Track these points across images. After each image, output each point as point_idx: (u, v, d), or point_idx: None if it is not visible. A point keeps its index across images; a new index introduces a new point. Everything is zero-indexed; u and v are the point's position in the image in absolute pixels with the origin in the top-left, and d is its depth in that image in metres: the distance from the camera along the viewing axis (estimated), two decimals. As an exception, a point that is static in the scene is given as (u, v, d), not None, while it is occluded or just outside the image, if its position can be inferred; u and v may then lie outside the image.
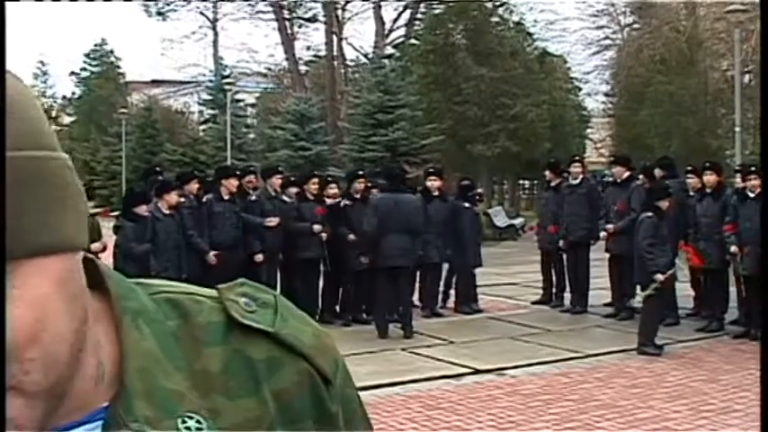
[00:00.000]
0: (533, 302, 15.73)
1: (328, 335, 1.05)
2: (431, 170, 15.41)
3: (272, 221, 13.17)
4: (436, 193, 14.43)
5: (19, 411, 0.79)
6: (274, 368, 0.97)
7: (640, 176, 14.30)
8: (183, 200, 12.85)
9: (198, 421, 0.89)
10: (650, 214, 11.48)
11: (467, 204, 14.96)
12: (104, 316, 0.92)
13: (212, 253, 12.64)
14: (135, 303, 0.94)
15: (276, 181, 14.00)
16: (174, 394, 0.90)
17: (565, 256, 15.23)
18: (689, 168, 14.02)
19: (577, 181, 14.87)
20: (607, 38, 43.04)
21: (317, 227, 13.41)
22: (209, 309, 0.98)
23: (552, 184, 15.51)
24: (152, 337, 0.93)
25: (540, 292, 15.94)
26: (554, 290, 15.55)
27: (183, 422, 0.89)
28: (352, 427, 1.04)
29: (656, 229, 11.41)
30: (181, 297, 0.99)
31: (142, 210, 11.97)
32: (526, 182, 53.08)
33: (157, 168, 16.83)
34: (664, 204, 11.56)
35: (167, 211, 12.24)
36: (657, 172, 14.17)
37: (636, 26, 40.90)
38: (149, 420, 0.87)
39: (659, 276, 11.23)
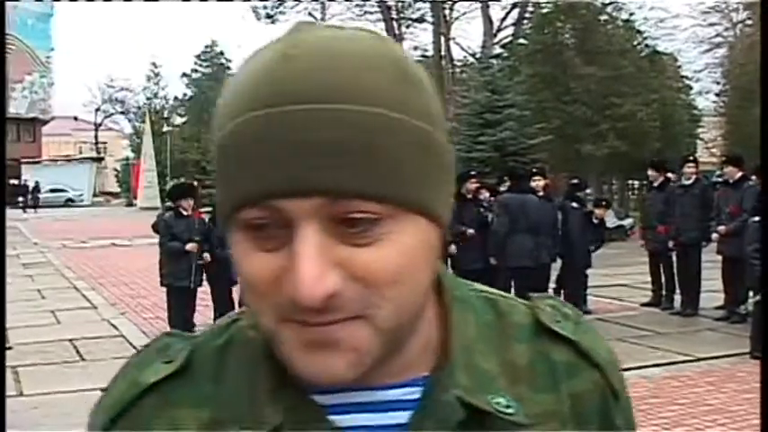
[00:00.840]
0: (643, 304, 15.55)
1: (615, 353, 1.16)
2: (534, 170, 15.37)
3: None
4: (541, 193, 14.38)
5: (362, 339, 0.91)
6: (572, 372, 1.08)
7: (753, 177, 14.06)
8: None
9: (507, 400, 1.01)
10: (757, 218, 11.29)
11: (575, 204, 14.87)
12: (435, 300, 1.04)
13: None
14: (461, 294, 1.08)
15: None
16: (489, 374, 1.03)
17: (675, 257, 15.06)
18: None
19: (690, 181, 14.67)
20: (719, 35, 42.46)
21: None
22: (521, 312, 1.11)
23: (655, 183, 15.35)
24: (473, 324, 1.06)
25: (650, 293, 15.77)
26: (663, 291, 15.37)
27: (493, 398, 1.00)
28: None
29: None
30: (498, 298, 1.12)
31: None
32: (635, 182, 52.36)
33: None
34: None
35: None
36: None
37: (749, 23, 40.16)
38: (467, 390, 0.99)
39: (767, 283, 11.07)
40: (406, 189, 0.90)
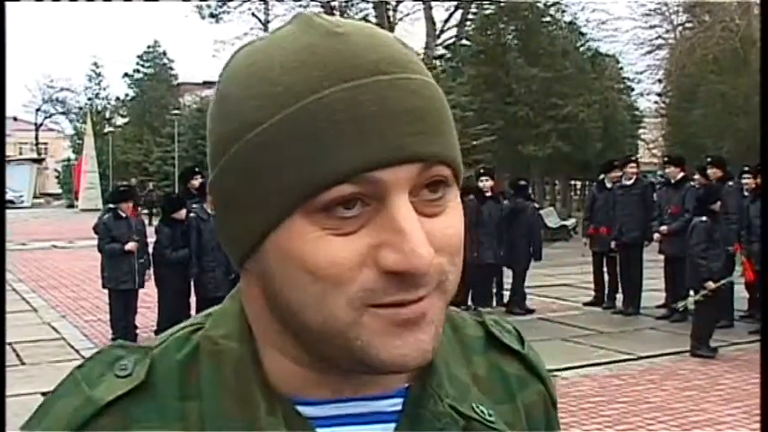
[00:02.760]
0: (585, 304, 15.66)
1: None
2: (482, 170, 15.40)
3: None
4: (489, 194, 14.44)
5: (440, 310, 0.90)
6: (522, 384, 1.11)
7: (695, 177, 14.20)
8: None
9: (487, 408, 1.03)
10: (704, 219, 11.39)
11: (534, 204, 15.01)
12: None
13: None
14: None
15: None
16: (465, 384, 1.04)
17: (606, 257, 15.21)
18: (745, 169, 13.88)
19: (631, 181, 14.77)
20: (659, 37, 42.76)
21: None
22: (472, 325, 1.13)
23: (608, 184, 15.38)
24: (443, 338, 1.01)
25: (593, 293, 15.87)
26: (606, 291, 15.47)
27: (477, 406, 1.02)
28: None
29: (710, 233, 11.33)
30: (449, 311, 1.05)
31: (180, 215, 12.13)
32: (578, 182, 52.74)
33: (196, 169, 16.80)
34: (716, 206, 11.49)
35: (212, 212, 12.29)
36: (712, 173, 14.09)
37: (689, 25, 40.63)
38: (456, 400, 1.00)
39: (710, 284, 11.17)
40: (458, 156, 0.91)
